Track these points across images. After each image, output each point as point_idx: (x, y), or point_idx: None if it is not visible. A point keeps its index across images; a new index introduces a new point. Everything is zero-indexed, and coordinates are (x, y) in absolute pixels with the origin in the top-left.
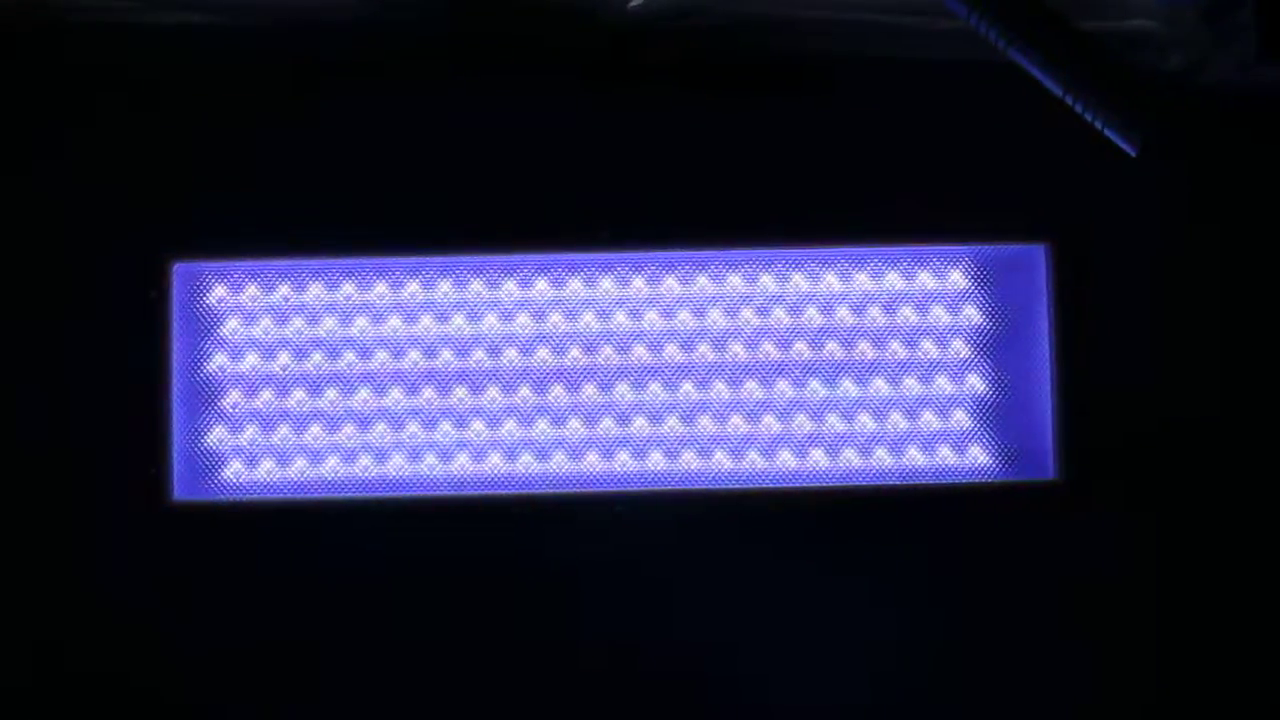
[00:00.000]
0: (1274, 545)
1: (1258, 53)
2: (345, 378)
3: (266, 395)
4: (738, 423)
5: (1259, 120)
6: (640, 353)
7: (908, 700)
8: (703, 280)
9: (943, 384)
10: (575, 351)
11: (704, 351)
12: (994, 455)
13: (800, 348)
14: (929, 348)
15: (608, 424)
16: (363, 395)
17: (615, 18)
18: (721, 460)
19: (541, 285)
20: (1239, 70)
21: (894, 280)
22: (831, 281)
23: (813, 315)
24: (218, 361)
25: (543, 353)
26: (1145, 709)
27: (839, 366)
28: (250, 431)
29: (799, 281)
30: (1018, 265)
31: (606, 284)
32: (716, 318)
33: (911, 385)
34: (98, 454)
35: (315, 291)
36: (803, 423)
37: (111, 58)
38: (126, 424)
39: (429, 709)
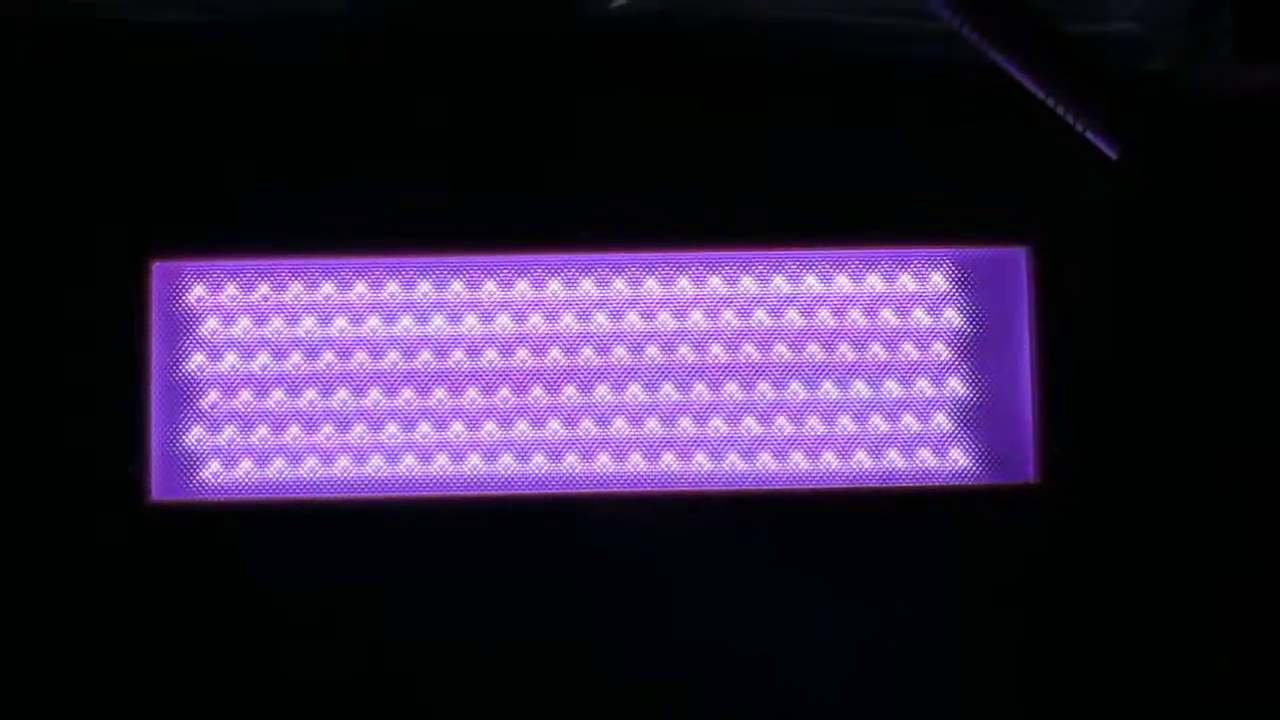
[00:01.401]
0: (1257, 547)
1: (1237, 55)
2: (324, 378)
3: (245, 395)
4: (718, 425)
5: (1239, 122)
6: (620, 354)
7: (885, 698)
8: (683, 282)
9: (923, 387)
10: (555, 353)
11: (684, 353)
12: (974, 458)
13: (781, 350)
14: (909, 350)
15: (587, 425)
16: (341, 396)
17: (597, 19)
18: (701, 462)
19: (522, 286)
20: (1219, 73)
21: (875, 282)
22: (812, 283)
23: (793, 317)
24: (196, 361)
25: (522, 354)
26: (1126, 705)
27: (820, 369)
28: (229, 431)
29: (780, 283)
30: (998, 268)
31: (587, 285)
32: (697, 319)
33: (892, 388)
34: (76, 453)
35: (295, 291)
36: (783, 425)
37: (90, 57)
38: (105, 423)
39: (405, 706)
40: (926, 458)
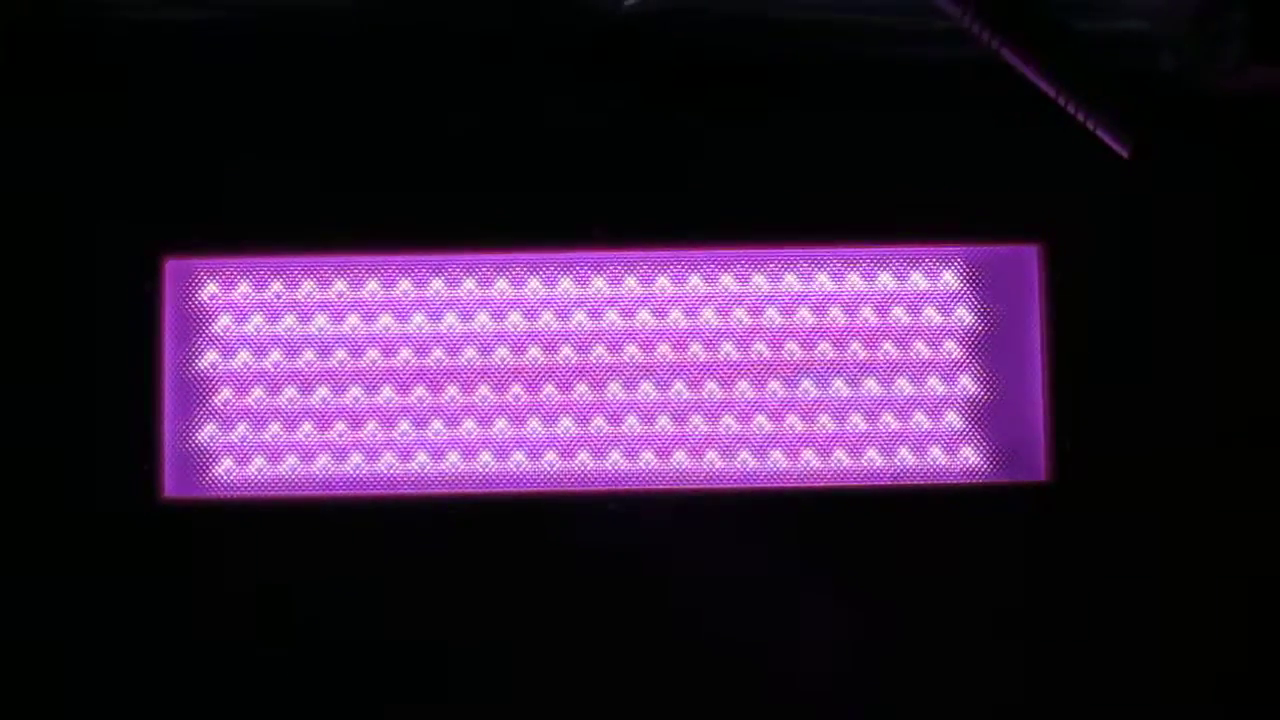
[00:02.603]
0: (1267, 546)
1: (1248, 54)
2: (336, 375)
3: (258, 392)
4: (729, 423)
5: (1250, 120)
6: (632, 352)
7: (893, 696)
8: (695, 280)
9: (934, 385)
10: (567, 350)
11: (696, 351)
12: (985, 456)
13: (792, 348)
14: (921, 349)
15: (599, 423)
16: (354, 393)
17: (604, 16)
18: (713, 460)
19: (534, 284)
20: (1230, 71)
21: (886, 281)
22: (824, 282)
23: (805, 315)
24: (209, 358)
25: (534, 351)
26: (1137, 707)
27: (831, 367)
28: (241, 429)
29: (791, 281)
30: (1010, 266)
31: (599, 283)
32: (709, 317)
33: (903, 386)
34: (89, 451)
35: (307, 289)
36: (794, 423)
37: (105, 56)
38: (118, 421)
39: (416, 701)
40: (938, 456)
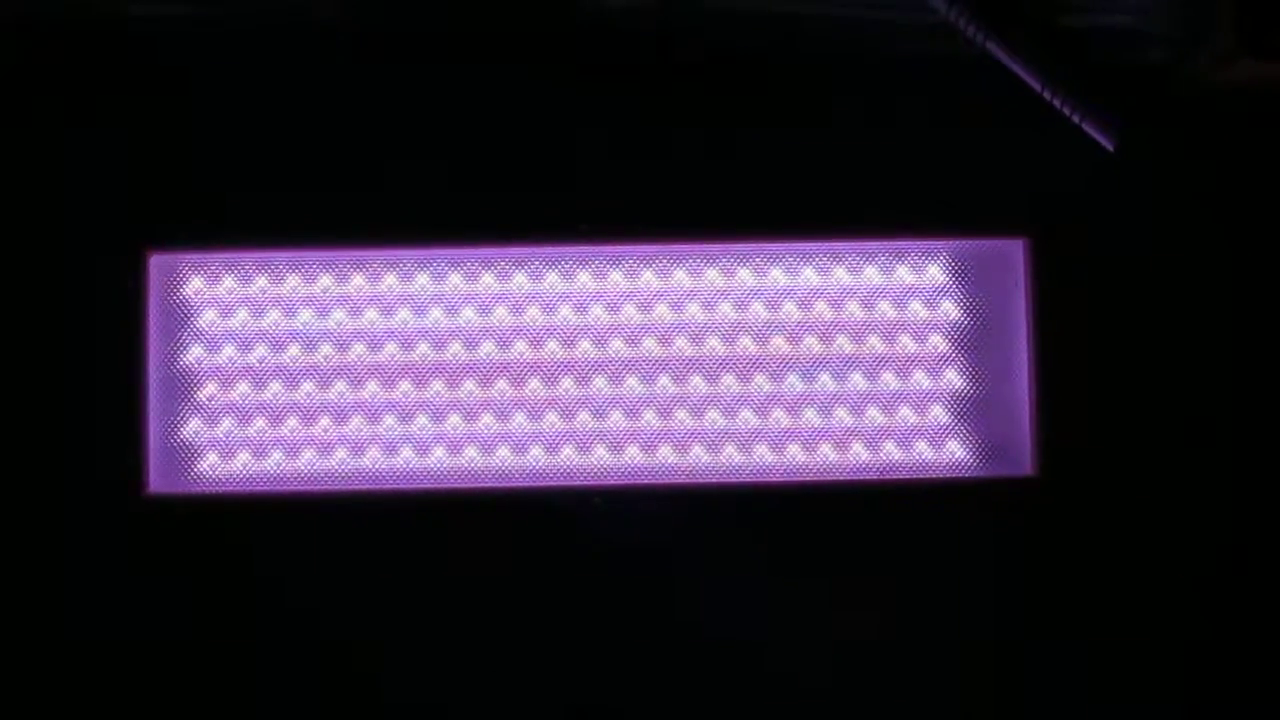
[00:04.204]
0: (1253, 538)
1: (1235, 49)
2: (321, 370)
3: (243, 387)
4: (715, 417)
5: (1236, 115)
6: (618, 346)
7: (882, 690)
8: (680, 274)
9: (920, 379)
10: (552, 345)
11: (681, 346)
12: (971, 450)
13: (778, 342)
14: (907, 343)
15: (584, 418)
16: (339, 388)
17: (596, 12)
18: (699, 455)
19: (519, 279)
20: (1217, 66)
21: (872, 275)
22: (810, 276)
23: (790, 310)
24: (194, 353)
25: (520, 346)
26: (1122, 698)
27: (817, 361)
28: (226, 424)
29: (777, 276)
30: (996, 260)
31: (584, 278)
32: (694, 312)
33: (889, 380)
34: (72, 446)
35: (292, 284)
36: (780, 417)
37: (85, 50)
38: (102, 416)
39: (403, 698)
40: (924, 450)
